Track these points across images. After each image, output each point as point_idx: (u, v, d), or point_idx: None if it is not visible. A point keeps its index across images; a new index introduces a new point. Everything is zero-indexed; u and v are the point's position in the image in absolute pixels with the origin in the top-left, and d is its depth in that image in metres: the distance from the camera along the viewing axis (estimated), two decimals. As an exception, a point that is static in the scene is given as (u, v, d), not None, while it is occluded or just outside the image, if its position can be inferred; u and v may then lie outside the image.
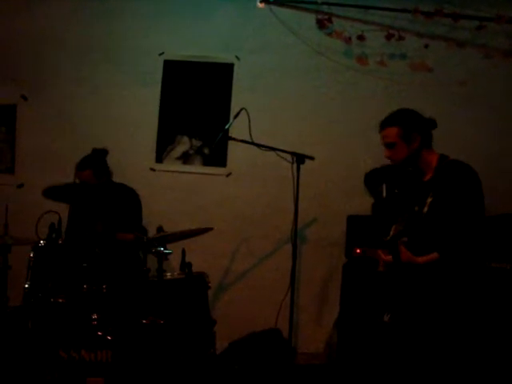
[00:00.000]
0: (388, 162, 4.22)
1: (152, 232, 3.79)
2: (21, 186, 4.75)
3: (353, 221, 4.30)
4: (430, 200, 2.74)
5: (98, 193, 3.66)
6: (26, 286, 3.29)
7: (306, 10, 4.57)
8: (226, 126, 3.90)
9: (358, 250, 4.09)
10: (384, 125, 2.92)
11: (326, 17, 4.50)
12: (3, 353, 3.15)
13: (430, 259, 2.73)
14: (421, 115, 2.92)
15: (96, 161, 3.97)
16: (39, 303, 3.26)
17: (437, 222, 2.72)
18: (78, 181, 3.88)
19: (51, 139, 4.70)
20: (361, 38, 4.53)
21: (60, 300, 3.26)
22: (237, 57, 4.68)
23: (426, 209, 2.73)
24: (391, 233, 2.74)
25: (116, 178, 4.22)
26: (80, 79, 4.71)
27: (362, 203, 4.40)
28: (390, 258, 2.78)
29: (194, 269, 3.79)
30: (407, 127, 2.85)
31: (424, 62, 4.57)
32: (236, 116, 3.82)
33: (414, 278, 2.78)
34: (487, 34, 4.47)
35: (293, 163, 3.83)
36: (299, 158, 3.83)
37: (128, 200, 4.00)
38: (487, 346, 3.36)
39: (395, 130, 2.86)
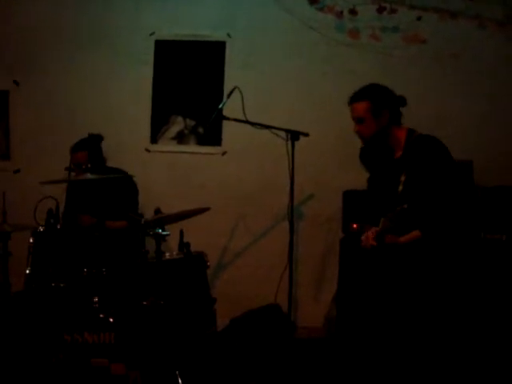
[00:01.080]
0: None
1: (150, 213, 3.81)
2: (17, 171, 4.75)
3: (349, 196, 4.32)
4: (403, 178, 2.75)
5: (93, 182, 3.66)
6: (27, 271, 3.31)
7: (297, -15, 4.54)
8: (220, 106, 3.90)
9: (355, 225, 4.10)
10: (354, 99, 2.92)
11: (317, -9, 4.48)
12: (8, 337, 3.20)
13: (412, 238, 2.75)
14: (391, 91, 2.92)
15: (91, 144, 3.97)
16: (41, 288, 3.29)
17: (413, 199, 2.74)
18: (72, 165, 3.89)
19: (45, 124, 4.70)
20: (352, 12, 4.51)
21: (61, 284, 3.28)
22: (228, 35, 4.65)
23: (400, 187, 2.75)
24: (379, 226, 2.76)
25: (111, 160, 4.23)
26: (71, 62, 4.68)
27: (358, 178, 4.40)
28: (373, 242, 2.81)
29: (193, 248, 3.81)
30: (377, 103, 2.85)
31: (417, 35, 4.54)
32: (229, 95, 3.82)
33: (398, 257, 2.82)
34: (480, 4, 4.46)
35: (287, 140, 3.85)
36: (294, 135, 3.84)
37: (123, 186, 4.01)
38: (482, 318, 3.41)
39: (364, 104, 2.86)
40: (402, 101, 2.91)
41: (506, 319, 3.45)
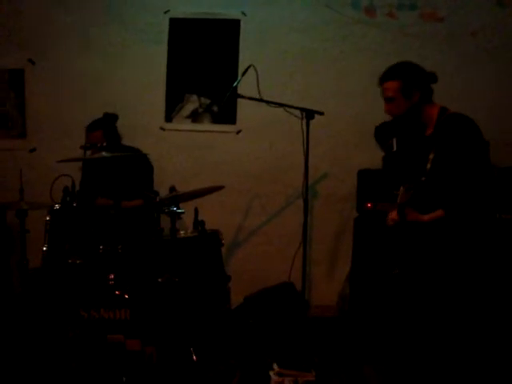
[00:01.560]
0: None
1: (164, 192, 3.83)
2: (33, 150, 4.78)
3: (363, 175, 4.32)
4: (432, 156, 2.73)
5: (108, 160, 3.67)
6: (44, 248, 3.35)
7: (313, -39, 4.48)
8: (235, 84, 3.88)
9: (369, 204, 4.10)
10: (384, 78, 2.89)
11: (333, -32, 4.42)
12: (27, 313, 3.26)
13: (436, 217, 2.74)
14: (422, 69, 2.89)
15: (106, 123, 3.99)
16: (57, 265, 3.33)
17: (440, 178, 2.73)
18: (88, 144, 3.91)
19: (60, 102, 4.71)
20: (369, -12, 4.45)
21: (77, 261, 3.32)
22: (243, 12, 4.62)
23: (428, 165, 2.73)
24: (398, 198, 2.74)
25: (126, 139, 4.24)
26: (86, 40, 4.68)
27: (373, 157, 4.40)
28: (395, 216, 2.80)
29: (207, 227, 3.84)
30: (407, 81, 2.82)
31: (434, 12, 4.48)
32: (244, 73, 3.80)
33: (420, 235, 2.81)
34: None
35: (302, 119, 3.83)
36: (309, 114, 3.82)
37: (138, 164, 4.03)
38: (495, 296, 3.40)
39: (395, 83, 2.83)
40: (432, 77, 2.88)
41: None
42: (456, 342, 2.82)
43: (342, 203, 4.61)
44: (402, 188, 2.72)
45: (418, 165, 2.82)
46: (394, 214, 2.83)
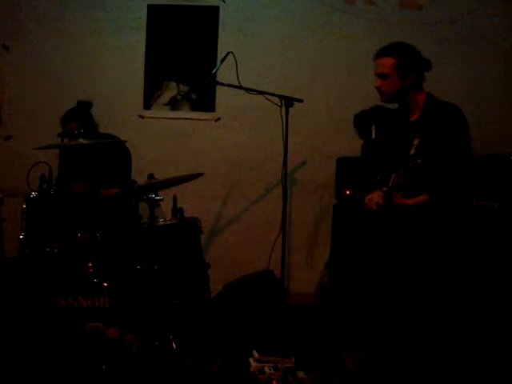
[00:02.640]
0: (376, 103, 4.25)
1: (143, 180, 3.81)
2: (8, 137, 4.71)
3: (342, 163, 4.34)
4: (416, 142, 2.74)
5: (85, 148, 3.63)
6: (21, 237, 3.30)
7: None
8: (213, 71, 3.86)
9: (348, 192, 4.14)
10: (381, 53, 2.86)
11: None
12: (3, 303, 3.22)
13: (420, 201, 2.76)
14: (419, 53, 2.88)
15: (81, 113, 3.95)
16: (35, 253, 3.29)
17: (425, 163, 2.74)
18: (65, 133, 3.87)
19: (37, 89, 4.63)
20: (348, -24, 4.45)
21: (55, 249, 3.29)
22: (222, -1, 4.60)
23: (412, 151, 2.74)
24: (390, 182, 2.75)
25: (104, 127, 4.21)
26: (62, 27, 4.61)
27: (352, 145, 4.42)
28: (381, 201, 2.81)
29: (186, 214, 3.82)
30: (404, 61, 2.81)
31: (413, 0, 4.50)
32: (223, 60, 3.77)
33: (402, 220, 2.83)
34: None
35: (281, 106, 3.81)
36: (288, 101, 3.81)
37: (115, 152, 3.99)
38: (475, 283, 3.46)
39: (392, 60, 2.81)
40: (427, 64, 2.87)
41: (496, 287, 3.50)
42: (433, 328, 2.86)
43: (321, 190, 4.63)
44: (393, 176, 2.71)
45: (402, 150, 2.83)
46: (378, 198, 2.83)
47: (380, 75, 2.85)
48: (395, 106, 3.04)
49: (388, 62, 2.82)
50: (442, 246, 2.80)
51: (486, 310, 3.45)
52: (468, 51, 4.46)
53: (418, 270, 2.81)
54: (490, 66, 4.47)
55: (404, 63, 2.81)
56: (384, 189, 2.79)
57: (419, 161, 2.62)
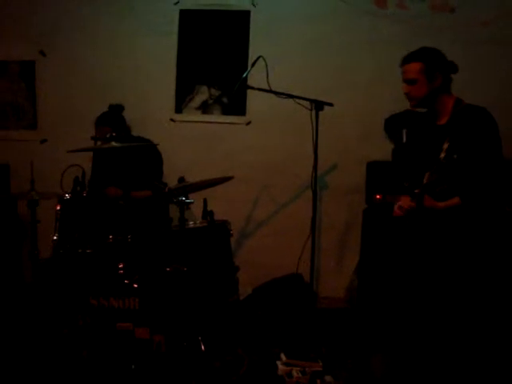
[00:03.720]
0: (406, 106, 4.21)
1: (174, 183, 3.85)
2: (44, 141, 4.82)
3: (373, 167, 4.31)
4: (446, 146, 2.72)
5: (118, 150, 3.68)
6: (55, 238, 3.37)
7: (323, -48, 4.46)
8: (244, 75, 3.88)
9: (378, 196, 4.12)
10: (407, 60, 2.88)
11: (344, -41, 4.41)
12: (38, 301, 3.29)
13: (451, 204, 2.74)
14: (444, 56, 2.89)
15: (113, 117, 4.01)
16: (68, 254, 3.36)
17: (455, 167, 2.72)
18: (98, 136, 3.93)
19: (71, 94, 4.74)
20: (379, -20, 4.43)
21: (87, 250, 3.35)
22: (253, 3, 4.61)
23: (442, 155, 2.72)
24: (425, 180, 2.74)
25: (136, 130, 4.28)
26: (96, 32, 4.71)
27: (382, 149, 4.39)
28: (413, 204, 2.80)
29: (216, 217, 3.85)
30: (431, 65, 2.82)
31: (445, 3, 4.45)
32: (253, 64, 3.79)
33: (435, 223, 2.80)
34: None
35: (312, 110, 3.81)
36: (318, 105, 3.80)
37: (147, 155, 4.04)
38: (503, 289, 3.40)
39: (419, 65, 2.83)
40: (453, 67, 2.88)
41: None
42: (464, 335, 2.82)
43: (351, 195, 4.61)
44: (427, 173, 2.71)
45: (431, 154, 2.81)
46: (409, 201, 2.81)
47: (408, 81, 2.87)
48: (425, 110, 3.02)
49: (415, 67, 2.84)
50: (472, 250, 2.76)
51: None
52: (500, 54, 4.38)
53: (449, 273, 2.78)
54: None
55: (431, 67, 2.82)
56: (416, 191, 2.78)
57: (455, 156, 2.61)
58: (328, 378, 3.17)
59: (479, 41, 4.40)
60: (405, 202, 2.90)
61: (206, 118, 4.77)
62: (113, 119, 3.99)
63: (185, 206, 3.55)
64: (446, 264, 2.80)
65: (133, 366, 3.08)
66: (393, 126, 4.35)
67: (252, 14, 4.63)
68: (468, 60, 4.37)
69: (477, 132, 2.70)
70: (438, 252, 2.82)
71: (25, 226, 4.30)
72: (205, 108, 4.77)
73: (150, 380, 3.06)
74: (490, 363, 2.98)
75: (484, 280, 2.83)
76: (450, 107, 2.84)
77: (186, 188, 3.60)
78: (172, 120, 4.76)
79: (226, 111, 4.76)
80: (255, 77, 3.87)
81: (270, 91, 3.79)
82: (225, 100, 4.75)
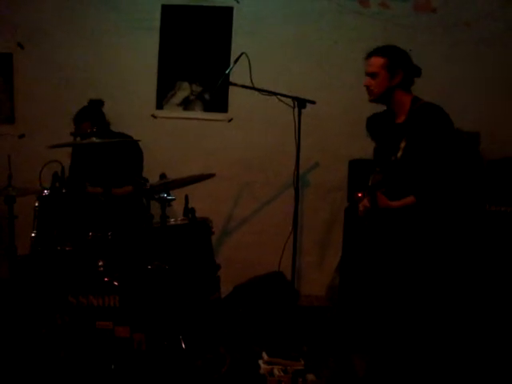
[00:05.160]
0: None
1: (155, 179, 3.81)
2: (22, 136, 4.74)
3: (355, 165, 4.31)
4: (403, 145, 2.75)
5: (98, 146, 3.63)
6: (33, 234, 3.33)
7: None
8: (227, 71, 3.85)
9: (360, 194, 4.10)
10: (372, 53, 2.93)
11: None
12: (15, 299, 3.23)
13: (405, 203, 2.75)
14: (409, 57, 2.92)
15: (93, 112, 3.96)
16: (46, 251, 3.31)
17: (411, 166, 2.74)
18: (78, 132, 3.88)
19: (50, 88, 4.66)
20: (363, -22, 4.44)
21: (66, 248, 3.31)
22: (236, 0, 4.58)
23: (399, 153, 2.75)
24: (370, 181, 2.76)
25: (117, 126, 4.22)
26: (77, 26, 4.64)
27: (364, 147, 4.38)
28: (367, 203, 2.82)
29: (198, 214, 3.84)
30: (394, 61, 2.86)
31: (427, 3, 4.47)
32: (236, 61, 3.77)
33: (391, 221, 2.81)
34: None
35: (294, 108, 3.80)
36: (300, 103, 3.80)
37: (128, 150, 4.00)
38: (481, 289, 3.43)
39: (382, 60, 2.87)
40: (417, 71, 2.92)
41: (506, 292, 3.47)
42: (441, 334, 2.84)
43: (333, 193, 4.62)
44: (372, 175, 2.74)
45: (389, 152, 2.84)
46: (365, 201, 2.84)
47: (370, 74, 2.91)
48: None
49: (378, 61, 2.88)
50: (428, 249, 2.77)
51: (492, 313, 3.42)
52: (484, 54, 4.42)
53: (408, 273, 2.79)
54: (504, 68, 4.42)
55: (393, 63, 2.86)
56: (360, 194, 2.82)
57: (393, 157, 2.63)
58: (310, 377, 3.16)
59: (463, 41, 4.43)
60: (363, 202, 2.92)
61: (188, 114, 4.73)
62: (92, 113, 3.95)
63: (166, 203, 3.52)
64: (404, 261, 2.81)
65: (113, 366, 3.04)
66: (374, 124, 4.36)
67: (235, 10, 4.60)
68: (452, 60, 4.43)
69: (432, 131, 2.72)
70: (396, 250, 2.83)
71: (1, 223, 4.22)
72: (186, 104, 4.73)
73: (131, 379, 3.02)
74: (459, 359, 3.00)
75: (444, 276, 2.84)
76: (407, 106, 2.88)
77: (168, 185, 3.58)
78: (153, 116, 4.72)
79: (207, 108, 4.73)
80: (238, 74, 3.83)
81: (253, 88, 3.77)
82: (206, 96, 4.71)
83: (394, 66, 2.85)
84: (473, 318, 3.29)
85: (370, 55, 2.93)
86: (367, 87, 2.92)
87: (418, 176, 2.74)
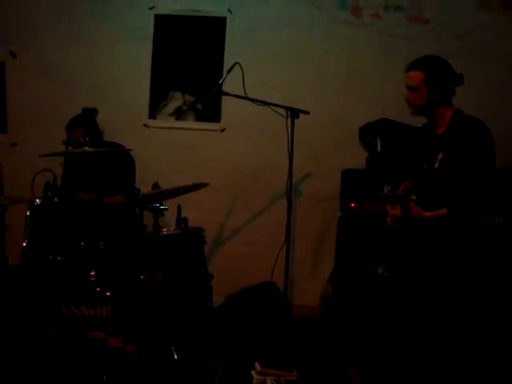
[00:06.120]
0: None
1: (147, 189, 3.80)
2: (14, 144, 4.72)
3: (347, 175, 4.31)
4: (440, 156, 2.73)
5: (91, 155, 3.62)
6: (24, 244, 3.30)
7: (300, -40, 4.48)
8: (220, 81, 3.86)
9: (353, 204, 4.12)
10: (412, 67, 2.88)
11: (320, -32, 4.43)
12: (5, 310, 3.20)
13: (438, 214, 2.74)
14: (450, 67, 2.89)
15: (86, 120, 3.95)
16: (38, 261, 3.28)
17: (447, 178, 2.73)
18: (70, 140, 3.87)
19: (43, 96, 4.65)
20: (356, -11, 4.47)
21: (58, 257, 3.28)
22: (229, 10, 4.60)
23: (436, 165, 2.73)
24: (401, 189, 2.75)
25: (109, 135, 4.20)
26: (70, 35, 4.64)
27: (357, 157, 4.40)
28: (398, 212, 2.80)
29: (190, 224, 3.82)
30: (434, 76, 2.81)
31: (420, 14, 4.51)
32: (229, 71, 3.77)
33: (421, 232, 2.80)
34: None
35: (287, 118, 3.81)
36: (293, 113, 3.80)
37: (120, 160, 3.99)
38: (486, 299, 3.42)
39: (421, 74, 2.82)
40: (459, 79, 2.88)
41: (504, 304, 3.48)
42: (443, 346, 2.82)
43: (326, 203, 4.61)
44: (404, 182, 2.73)
45: (426, 163, 2.83)
46: (395, 211, 2.83)
47: (409, 88, 2.87)
48: (402, 118, 3.04)
49: (417, 75, 2.83)
50: (458, 261, 2.76)
51: (490, 321, 3.42)
52: (475, 66, 4.45)
53: (437, 285, 2.77)
54: (496, 79, 4.46)
55: (433, 78, 2.81)
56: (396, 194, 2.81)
57: (425, 165, 2.61)
58: (303, 388, 3.15)
59: (454, 52, 4.43)
60: (394, 211, 2.89)
61: (180, 124, 4.73)
62: (85, 122, 3.93)
63: (159, 213, 3.51)
64: (432, 271, 2.79)
65: (105, 377, 3.01)
66: (367, 134, 4.37)
67: (228, 20, 4.62)
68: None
69: (471, 144, 2.71)
70: (424, 260, 2.82)
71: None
72: (179, 114, 4.73)
73: (123, 390, 3.00)
74: (467, 373, 2.99)
75: (467, 289, 2.83)
76: (448, 118, 2.85)
77: (160, 194, 3.56)
78: (145, 126, 4.71)
79: (200, 118, 4.73)
80: (231, 83, 3.84)
81: (246, 98, 3.77)
82: (199, 106, 4.72)
83: (434, 81, 2.81)
84: (480, 333, 3.27)
85: (409, 68, 2.88)
86: (407, 101, 2.89)
87: (452, 189, 2.72)
